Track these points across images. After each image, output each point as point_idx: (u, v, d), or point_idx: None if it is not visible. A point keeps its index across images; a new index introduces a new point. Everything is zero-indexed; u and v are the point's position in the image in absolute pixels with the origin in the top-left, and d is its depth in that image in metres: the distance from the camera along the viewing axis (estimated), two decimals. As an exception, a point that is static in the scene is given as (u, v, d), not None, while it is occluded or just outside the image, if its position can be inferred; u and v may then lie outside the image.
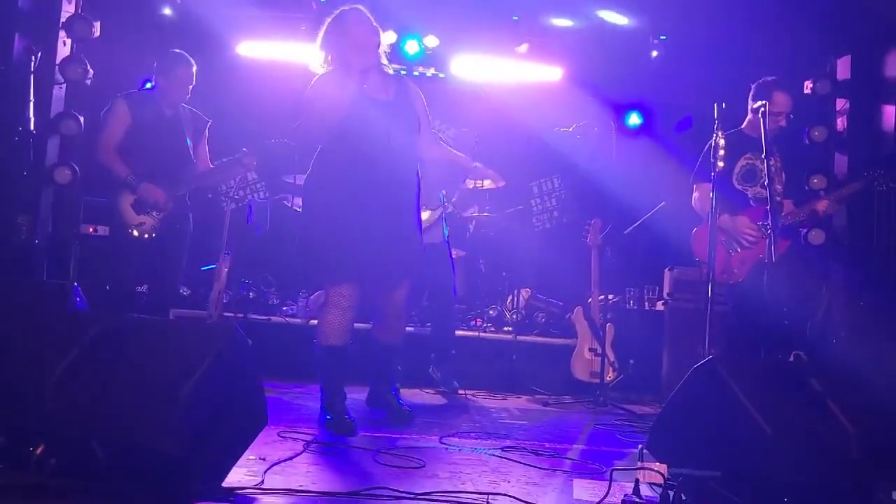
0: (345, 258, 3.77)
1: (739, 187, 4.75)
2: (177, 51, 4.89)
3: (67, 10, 5.41)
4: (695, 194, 4.84)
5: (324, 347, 3.87)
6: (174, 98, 4.83)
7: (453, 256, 5.50)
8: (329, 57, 3.86)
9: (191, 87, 4.85)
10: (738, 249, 4.67)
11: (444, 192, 5.37)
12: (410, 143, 3.96)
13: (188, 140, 4.91)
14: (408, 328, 5.55)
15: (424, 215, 5.17)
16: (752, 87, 4.79)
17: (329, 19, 3.89)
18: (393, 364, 4.33)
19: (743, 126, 4.85)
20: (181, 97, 4.85)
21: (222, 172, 5.08)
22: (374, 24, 3.83)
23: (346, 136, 3.76)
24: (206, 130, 5.02)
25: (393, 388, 4.27)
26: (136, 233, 4.68)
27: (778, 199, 4.60)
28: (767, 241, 4.13)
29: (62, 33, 5.36)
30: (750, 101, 4.78)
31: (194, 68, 4.84)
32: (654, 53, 6.57)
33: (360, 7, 3.87)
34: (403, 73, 4.23)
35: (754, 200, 4.70)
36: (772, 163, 4.45)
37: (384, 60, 3.94)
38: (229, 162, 4.96)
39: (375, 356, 4.20)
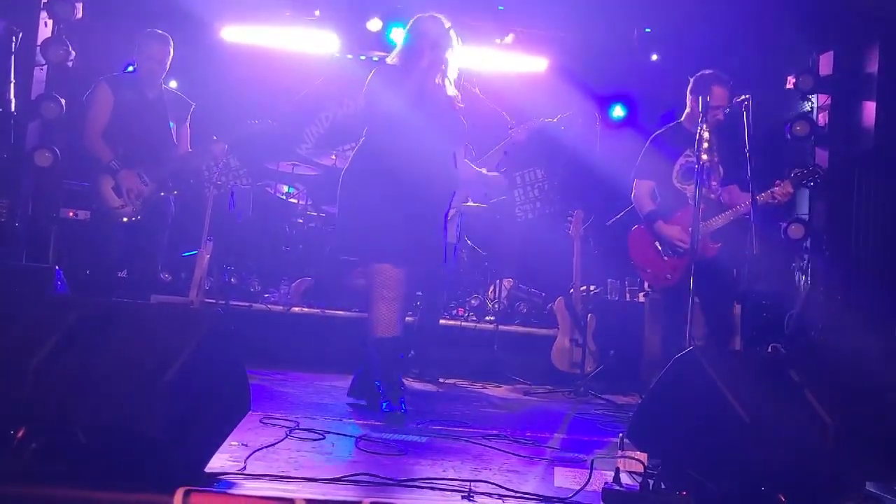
0: (388, 240, 3.80)
1: (679, 186, 4.60)
2: (151, 29, 4.84)
3: (49, -9, 5.36)
4: (633, 191, 4.73)
5: (373, 340, 3.90)
6: (151, 77, 4.79)
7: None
8: (400, 54, 3.98)
9: (167, 63, 4.80)
10: (672, 255, 4.58)
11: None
12: (451, 153, 4.02)
13: (171, 123, 4.88)
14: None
15: None
16: (690, 80, 4.64)
17: (414, 20, 4.04)
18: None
19: (682, 120, 4.71)
20: (157, 75, 4.80)
21: (196, 159, 5.05)
22: (453, 42, 3.97)
23: (391, 130, 3.82)
24: (190, 114, 4.99)
25: (377, 380, 4.28)
26: (120, 217, 4.65)
27: (713, 196, 4.48)
28: (749, 233, 4.09)
29: (43, 14, 5.30)
30: (689, 95, 4.64)
31: (170, 46, 4.79)
32: (655, 57, 6.57)
33: (449, 27, 3.99)
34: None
35: (693, 199, 4.49)
36: (716, 159, 4.40)
37: (451, 77, 4.01)
38: (200, 149, 4.93)
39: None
